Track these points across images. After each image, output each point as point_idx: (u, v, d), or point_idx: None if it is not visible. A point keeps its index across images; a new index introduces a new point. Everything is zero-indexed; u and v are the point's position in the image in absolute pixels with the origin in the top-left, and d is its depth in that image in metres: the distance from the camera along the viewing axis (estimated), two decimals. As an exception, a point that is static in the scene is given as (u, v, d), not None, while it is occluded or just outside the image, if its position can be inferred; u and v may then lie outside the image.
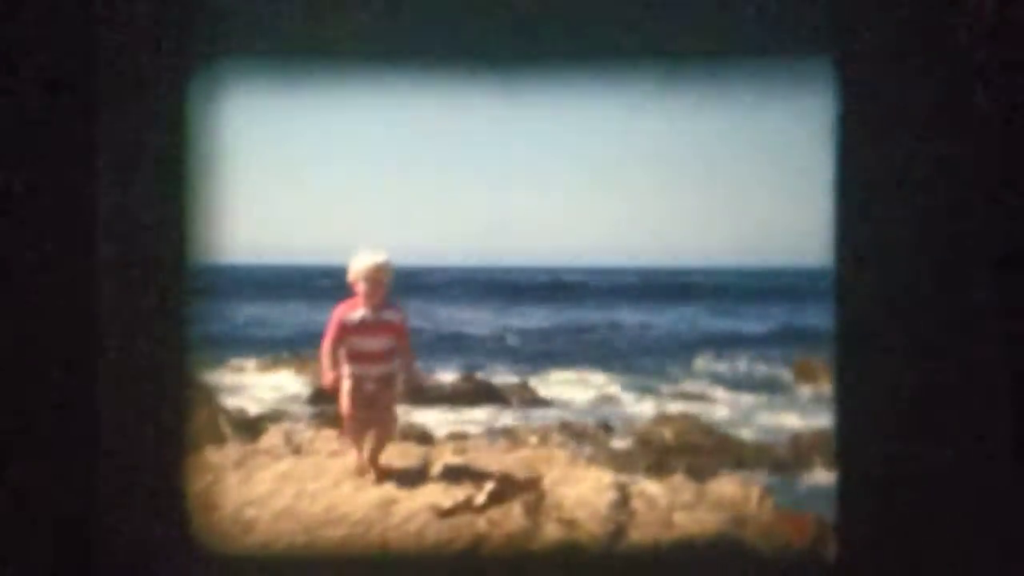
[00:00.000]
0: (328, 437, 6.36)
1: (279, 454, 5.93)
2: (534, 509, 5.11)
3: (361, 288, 5.17)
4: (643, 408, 16.37)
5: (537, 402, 17.18)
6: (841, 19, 2.93)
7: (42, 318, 2.90)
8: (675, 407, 15.48)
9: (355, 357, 5.22)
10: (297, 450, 6.09)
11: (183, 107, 2.97)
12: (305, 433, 6.60)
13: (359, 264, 5.19)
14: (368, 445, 5.30)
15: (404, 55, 3.08)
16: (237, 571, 3.47)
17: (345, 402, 5.28)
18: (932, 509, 2.94)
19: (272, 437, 6.34)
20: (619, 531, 4.93)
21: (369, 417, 5.26)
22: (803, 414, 15.61)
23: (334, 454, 5.73)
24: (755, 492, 5.56)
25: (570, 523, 4.96)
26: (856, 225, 2.94)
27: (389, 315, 5.25)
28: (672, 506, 5.30)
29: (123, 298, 2.97)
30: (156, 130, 2.96)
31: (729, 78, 3.13)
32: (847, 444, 3.02)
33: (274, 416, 12.09)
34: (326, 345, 5.23)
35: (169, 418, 3.03)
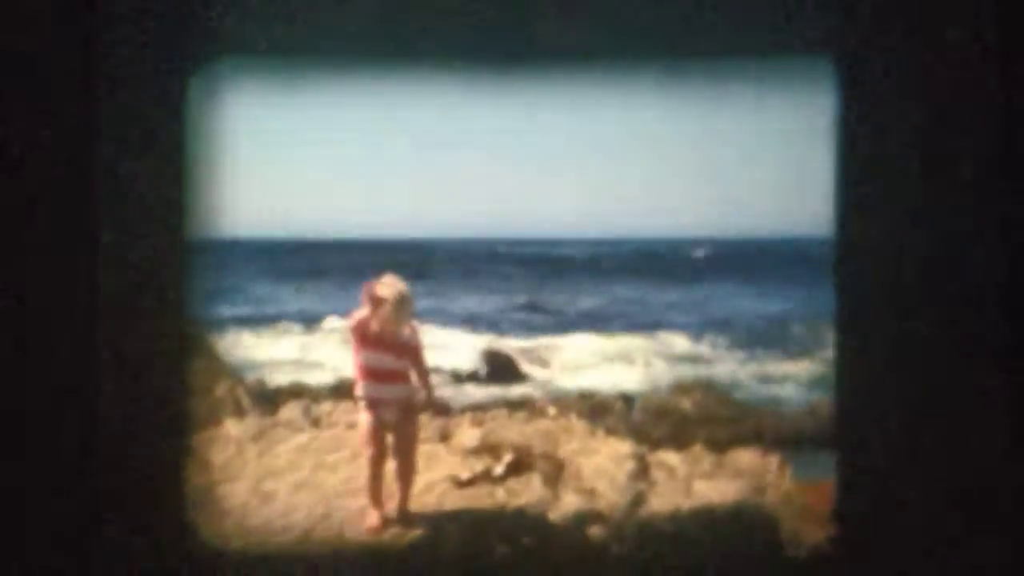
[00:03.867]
0: (347, 410, 6.37)
1: (298, 427, 5.95)
2: (553, 479, 5.12)
3: (380, 320, 4.61)
4: (662, 378, 16.36)
5: (554, 371, 17.19)
6: (841, 19, 2.94)
7: (43, 303, 2.91)
8: (694, 377, 15.45)
9: (370, 374, 4.71)
10: (316, 423, 6.11)
11: (183, 106, 2.99)
12: (324, 406, 6.61)
13: (384, 294, 4.61)
14: (394, 492, 4.77)
15: (404, 53, 3.10)
16: (232, 566, 3.50)
17: (364, 438, 4.76)
18: (931, 495, 2.94)
19: (291, 410, 6.36)
20: (638, 500, 4.93)
21: (388, 454, 4.75)
22: (821, 382, 15.57)
23: (352, 426, 5.73)
24: (774, 461, 5.55)
25: (589, 493, 4.96)
26: (856, 220, 2.95)
27: (406, 335, 4.72)
28: (691, 475, 5.31)
29: (123, 288, 2.98)
30: (156, 127, 2.98)
31: (730, 77, 3.16)
32: (847, 426, 3.02)
33: (293, 389, 12.13)
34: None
35: (170, 398, 3.05)
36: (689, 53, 3.11)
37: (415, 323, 4.81)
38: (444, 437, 5.81)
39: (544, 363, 17.78)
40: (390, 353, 4.68)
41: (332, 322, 22.67)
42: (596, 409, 12.54)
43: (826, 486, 5.36)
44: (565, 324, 24.62)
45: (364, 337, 4.66)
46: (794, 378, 16.78)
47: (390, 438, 4.75)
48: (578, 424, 6.01)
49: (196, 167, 3.05)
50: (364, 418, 4.75)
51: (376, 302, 4.60)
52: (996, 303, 2.88)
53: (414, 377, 4.77)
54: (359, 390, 4.75)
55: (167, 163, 3.02)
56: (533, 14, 2.99)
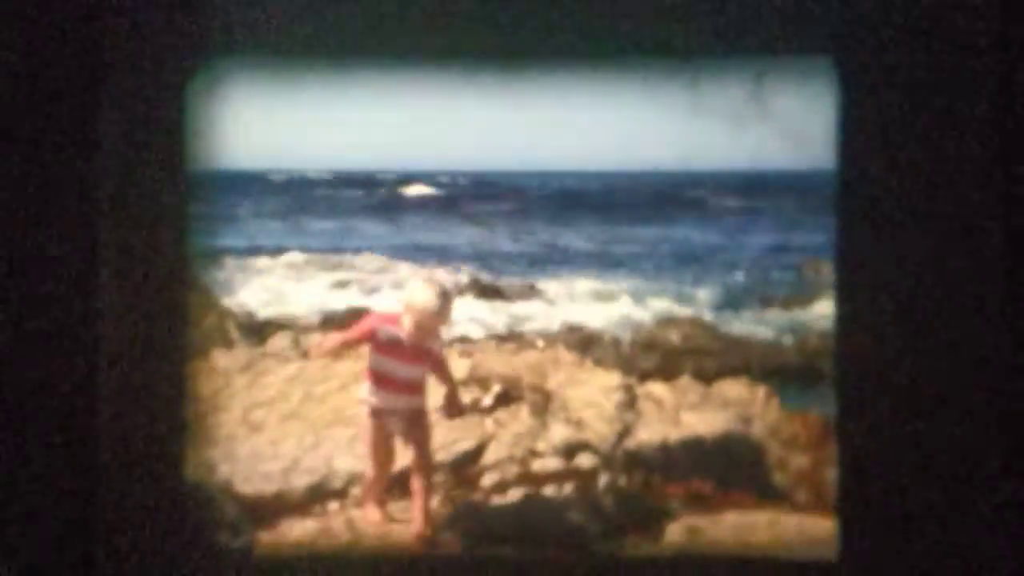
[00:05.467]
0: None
1: (286, 357, 5.95)
2: (541, 410, 5.13)
3: (412, 325, 4.20)
4: (650, 312, 16.41)
5: (544, 304, 17.21)
6: (841, 19, 2.94)
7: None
8: (683, 310, 15.50)
9: (382, 382, 4.27)
10: (305, 354, 6.11)
11: (183, 105, 3.01)
12: (312, 337, 6.61)
13: (420, 302, 4.20)
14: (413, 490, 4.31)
15: (405, 53, 3.11)
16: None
17: (368, 445, 4.34)
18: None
19: (279, 341, 6.36)
20: (626, 431, 4.95)
21: (390, 463, 4.36)
22: (810, 317, 15.63)
23: (341, 357, 5.74)
24: (761, 392, 5.58)
25: (577, 423, 4.98)
26: (857, 222, 2.95)
27: (431, 342, 4.32)
28: (679, 406, 5.33)
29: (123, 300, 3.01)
30: (156, 128, 3.00)
31: (730, 77, 3.16)
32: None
33: (281, 321, 12.14)
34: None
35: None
36: (687, 53, 3.10)
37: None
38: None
39: (531, 298, 17.81)
40: (406, 361, 4.25)
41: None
42: (584, 341, 12.58)
43: (813, 417, 5.42)
44: (551, 261, 24.62)
45: (377, 341, 4.25)
46: (784, 312, 16.82)
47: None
48: (566, 355, 6.03)
49: (196, 166, 3.07)
50: (367, 428, 4.32)
51: (418, 313, 4.17)
52: (998, 280, 2.89)
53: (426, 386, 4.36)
54: (364, 392, 4.33)
55: (167, 162, 3.03)
56: (532, 13, 2.99)
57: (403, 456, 4.37)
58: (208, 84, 3.03)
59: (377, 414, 4.28)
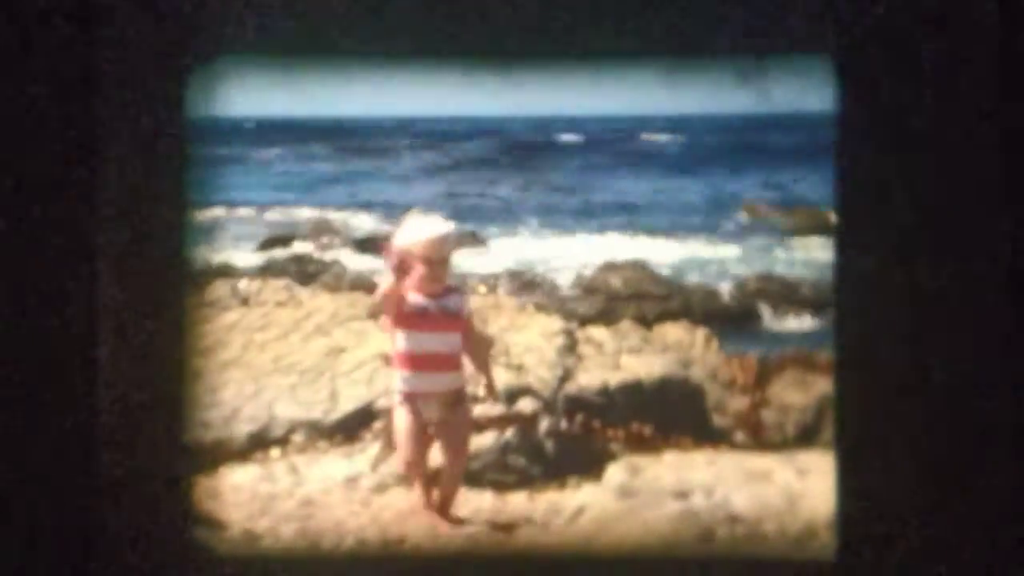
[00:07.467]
0: (275, 288, 6.34)
1: (226, 305, 5.92)
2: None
3: (417, 269, 3.73)
4: (591, 257, 16.48)
5: (484, 250, 17.23)
6: (841, 19, 2.94)
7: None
8: (625, 256, 15.59)
9: (415, 362, 3.79)
10: (244, 301, 6.08)
11: (183, 105, 3.00)
12: (252, 284, 6.57)
13: (414, 237, 3.74)
14: (435, 488, 3.91)
15: (405, 53, 3.10)
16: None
17: (403, 443, 3.83)
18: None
19: (218, 288, 6.31)
20: (567, 375, 4.99)
21: (428, 453, 3.88)
22: (749, 261, 15.80)
23: (281, 305, 5.71)
24: (700, 335, 5.65)
25: (518, 368, 5.01)
26: (857, 223, 2.96)
27: (453, 301, 3.82)
28: (619, 350, 5.37)
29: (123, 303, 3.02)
30: (155, 128, 2.99)
31: (729, 77, 3.16)
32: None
33: (221, 269, 12.06)
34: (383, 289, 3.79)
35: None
36: (686, 53, 3.10)
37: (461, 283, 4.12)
38: (373, 315, 5.80)
39: (472, 245, 17.80)
40: (439, 330, 3.78)
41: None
42: (525, 286, 12.62)
43: (750, 359, 5.50)
44: (491, 208, 24.58)
45: (401, 314, 3.76)
46: (724, 254, 16.98)
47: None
48: (507, 301, 6.05)
49: (196, 166, 3.05)
50: (401, 417, 3.82)
51: (404, 261, 3.70)
52: (1004, 272, 2.91)
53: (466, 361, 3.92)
54: (397, 382, 3.83)
55: (167, 162, 3.02)
56: (530, 11, 2.98)
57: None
58: (208, 83, 3.03)
59: (412, 399, 3.81)
